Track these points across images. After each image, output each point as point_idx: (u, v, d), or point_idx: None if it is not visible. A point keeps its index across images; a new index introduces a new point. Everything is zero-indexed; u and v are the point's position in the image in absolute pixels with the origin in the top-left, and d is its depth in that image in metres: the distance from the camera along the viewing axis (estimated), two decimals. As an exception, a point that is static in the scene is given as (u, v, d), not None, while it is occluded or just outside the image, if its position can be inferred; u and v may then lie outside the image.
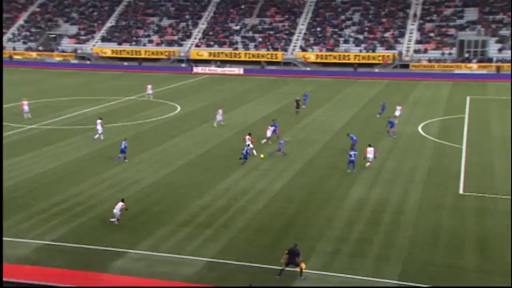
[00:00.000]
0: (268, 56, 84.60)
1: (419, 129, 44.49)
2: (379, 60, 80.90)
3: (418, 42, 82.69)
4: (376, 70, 79.30)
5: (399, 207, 27.29)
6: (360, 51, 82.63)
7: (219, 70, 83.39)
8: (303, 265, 20.34)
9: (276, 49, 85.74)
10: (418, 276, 20.50)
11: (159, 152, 37.42)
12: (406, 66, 79.36)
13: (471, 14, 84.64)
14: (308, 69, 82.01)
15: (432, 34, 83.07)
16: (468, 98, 58.57)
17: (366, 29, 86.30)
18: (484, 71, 75.33)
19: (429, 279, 20.27)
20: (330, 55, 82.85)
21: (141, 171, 33.20)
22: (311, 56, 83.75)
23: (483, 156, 36.15)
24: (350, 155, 33.30)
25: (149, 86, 60.35)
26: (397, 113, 46.48)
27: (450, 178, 31.77)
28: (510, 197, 28.33)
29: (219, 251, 22.54)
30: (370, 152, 34.16)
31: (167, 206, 27.54)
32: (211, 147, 39.05)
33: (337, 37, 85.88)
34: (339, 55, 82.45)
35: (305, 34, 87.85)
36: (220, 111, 46.54)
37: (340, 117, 49.58)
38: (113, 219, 24.86)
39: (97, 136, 40.39)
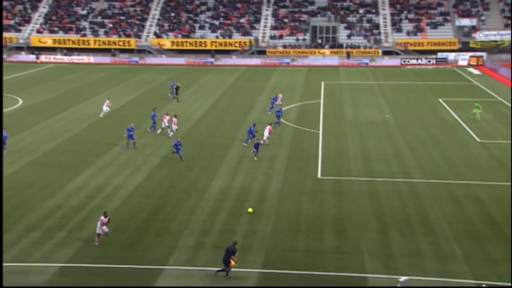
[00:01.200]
0: (120, 43, 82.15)
1: (278, 115, 46.22)
2: (236, 47, 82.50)
3: (273, 28, 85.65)
4: (234, 57, 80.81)
5: (261, 195, 28.19)
6: (217, 37, 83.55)
7: (66, 58, 79.33)
8: (233, 263, 20.14)
9: (128, 36, 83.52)
10: (280, 263, 21.37)
11: (-1, 151, 34.64)
12: (263, 52, 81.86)
13: (322, 0, 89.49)
14: (164, 56, 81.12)
15: (286, 20, 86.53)
16: (322, 83, 62.04)
17: (222, 14, 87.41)
18: (336, 57, 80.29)
19: (291, 264, 21.24)
20: (186, 42, 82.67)
21: (-22, 173, 30.49)
22: (167, 42, 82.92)
23: (339, 140, 38.58)
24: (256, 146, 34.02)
25: None
26: (279, 101, 47.96)
27: (309, 163, 33.49)
28: (367, 179, 30.64)
29: (72, 254, 21.56)
30: (266, 131, 36.95)
31: (10, 210, 25.65)
32: (59, 143, 37.08)
33: (193, 23, 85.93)
34: (196, 41, 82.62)
35: (159, 20, 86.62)
36: (107, 101, 45.30)
37: (199, 106, 49.80)
38: (98, 236, 22.41)
39: None
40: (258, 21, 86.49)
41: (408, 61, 77.52)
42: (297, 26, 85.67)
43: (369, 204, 27.05)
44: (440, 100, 51.99)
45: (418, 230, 24.05)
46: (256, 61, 79.39)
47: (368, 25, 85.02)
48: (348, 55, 79.97)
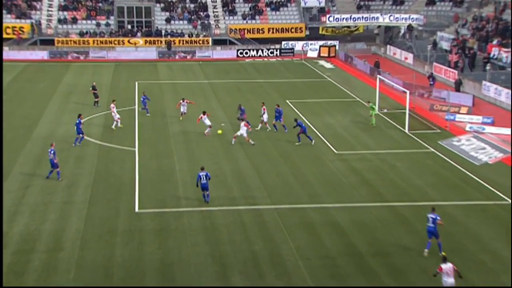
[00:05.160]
0: None
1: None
2: (9, 34, 79.33)
3: (62, 8, 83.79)
4: (7, 49, 77.54)
5: (56, 242, 27.34)
6: (-20, 21, 79.83)
7: None
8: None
9: None
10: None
11: None
12: (50, 42, 79.59)
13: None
14: None
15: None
16: (136, 84, 61.97)
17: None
18: (152, 48, 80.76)
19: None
20: None
21: None
22: None
23: (162, 159, 38.77)
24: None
25: None
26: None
27: (121, 192, 33.25)
28: (200, 209, 31.20)
29: None
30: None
31: None
32: None
33: None
34: (-50, 27, 78.06)
35: None
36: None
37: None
38: None
39: None
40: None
41: (246, 53, 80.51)
42: (96, 6, 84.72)
43: (205, 242, 27.55)
44: (288, 102, 54.68)
45: (267, 271, 25.00)
46: (40, 54, 77.10)
47: (192, 5, 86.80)
48: (169, 46, 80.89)
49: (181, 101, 48.77)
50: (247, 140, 41.60)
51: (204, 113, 44.28)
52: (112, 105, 46.09)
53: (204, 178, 31.46)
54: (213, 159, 38.99)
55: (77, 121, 41.61)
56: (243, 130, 41.79)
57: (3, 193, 32.34)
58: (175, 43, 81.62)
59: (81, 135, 41.58)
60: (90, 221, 29.56)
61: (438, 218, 26.40)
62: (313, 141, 41.94)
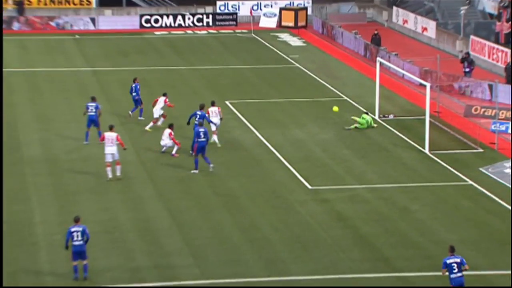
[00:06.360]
0: None
1: None
2: None
3: None
4: None
5: None
6: None
7: None
8: None
9: None
10: None
11: None
12: None
13: None
14: None
15: None
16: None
17: None
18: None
19: None
20: None
21: None
22: None
23: (10, 205, 38.19)
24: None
25: None
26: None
27: None
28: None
29: None
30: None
31: None
32: None
33: None
34: None
35: None
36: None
37: None
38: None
39: None
40: None
41: (156, 21, 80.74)
42: None
43: None
44: (228, 103, 55.07)
45: None
46: None
47: None
48: (21, 8, 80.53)
49: (163, 97, 49.63)
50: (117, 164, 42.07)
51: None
52: None
53: (79, 236, 30.88)
54: (100, 203, 38.92)
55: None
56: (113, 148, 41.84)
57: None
58: (31, 2, 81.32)
59: None
60: None
61: (465, 262, 27.33)
62: (210, 166, 42.89)
